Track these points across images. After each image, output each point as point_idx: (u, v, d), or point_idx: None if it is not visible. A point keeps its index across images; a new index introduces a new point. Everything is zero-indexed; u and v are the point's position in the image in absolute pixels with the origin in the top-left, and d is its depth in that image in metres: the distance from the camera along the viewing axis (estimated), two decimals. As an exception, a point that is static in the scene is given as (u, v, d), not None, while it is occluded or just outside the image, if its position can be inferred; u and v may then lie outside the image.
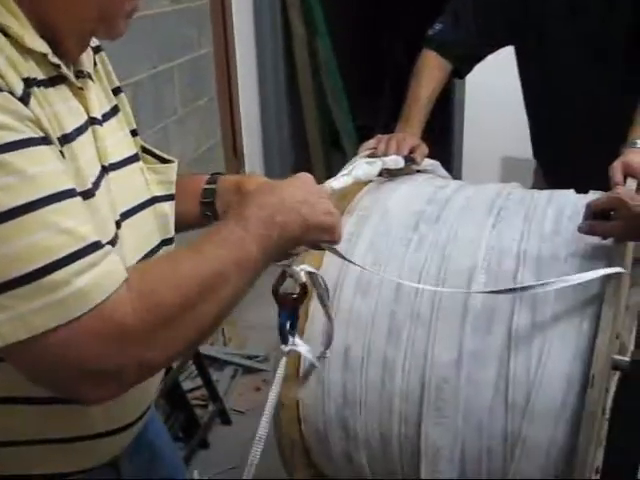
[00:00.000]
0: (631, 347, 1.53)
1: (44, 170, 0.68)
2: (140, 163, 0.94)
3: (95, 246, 0.70)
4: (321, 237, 0.91)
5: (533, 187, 1.94)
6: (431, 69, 1.75)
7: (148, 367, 0.77)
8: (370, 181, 1.54)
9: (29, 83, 0.72)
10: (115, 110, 0.93)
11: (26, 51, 0.74)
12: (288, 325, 0.97)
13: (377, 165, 1.46)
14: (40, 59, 0.76)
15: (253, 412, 2.51)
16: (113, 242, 0.80)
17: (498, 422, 1.23)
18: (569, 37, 1.71)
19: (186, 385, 2.46)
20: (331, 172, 3.89)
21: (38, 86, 0.74)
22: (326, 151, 4.56)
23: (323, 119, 4.52)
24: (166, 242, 0.95)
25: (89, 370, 0.70)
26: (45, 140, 0.71)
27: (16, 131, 0.67)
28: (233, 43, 3.32)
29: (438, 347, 1.27)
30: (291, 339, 0.97)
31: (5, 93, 0.67)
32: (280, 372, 0.97)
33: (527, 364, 1.21)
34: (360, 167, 1.41)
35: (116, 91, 0.96)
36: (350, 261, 1.14)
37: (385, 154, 1.55)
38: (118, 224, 0.83)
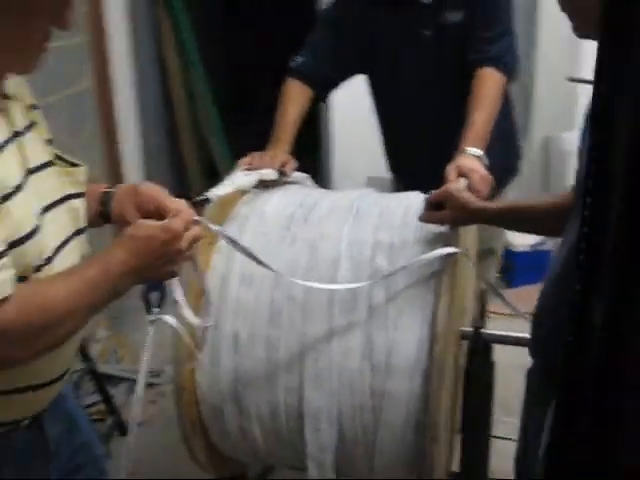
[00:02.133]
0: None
1: None
2: (56, 167, 1.13)
3: None
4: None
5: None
6: (295, 95, 2.01)
7: (6, 363, 0.99)
8: (248, 191, 1.77)
9: None
10: (33, 124, 1.11)
11: None
12: (155, 297, 1.17)
13: (253, 176, 1.69)
14: None
15: (149, 423, 2.66)
16: (35, 230, 0.99)
17: (366, 381, 1.47)
18: (409, 69, 2.03)
19: (85, 401, 2.58)
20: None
21: None
22: (205, 181, 4.75)
23: (201, 150, 4.72)
24: (79, 232, 1.14)
25: None
26: None
27: None
28: (112, 79, 3.48)
29: (312, 325, 1.51)
30: (156, 310, 1.17)
31: None
32: (149, 339, 1.18)
33: (385, 332, 1.47)
34: (239, 178, 1.65)
35: (33, 107, 1.15)
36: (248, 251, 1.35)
37: (259, 168, 1.79)
38: (41, 216, 1.02)
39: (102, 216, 1.25)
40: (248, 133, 5.69)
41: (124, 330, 3.25)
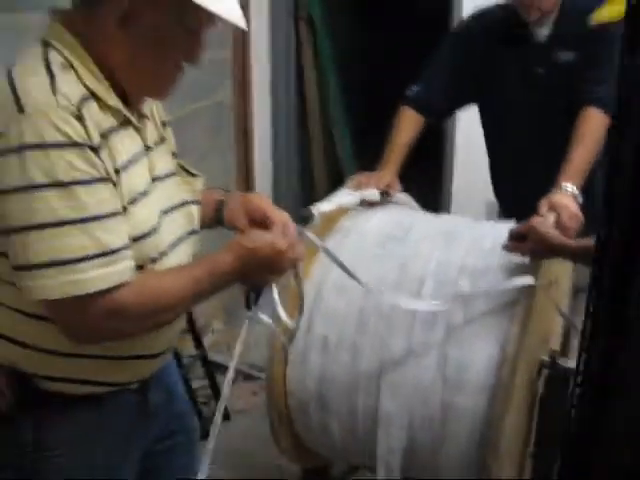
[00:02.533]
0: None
1: (96, 199, 1.08)
2: (177, 177, 1.33)
3: (112, 253, 1.09)
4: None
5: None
6: (407, 121, 2.16)
7: (120, 335, 1.20)
8: (354, 208, 1.93)
9: (105, 135, 1.12)
10: (162, 139, 1.32)
11: (107, 107, 1.14)
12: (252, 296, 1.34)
13: (356, 196, 1.85)
14: (116, 112, 1.16)
15: (250, 412, 2.87)
16: (154, 229, 1.19)
17: (437, 394, 1.59)
18: (518, 102, 2.12)
19: (193, 384, 2.82)
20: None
21: (112, 132, 1.14)
22: (331, 191, 4.93)
23: (330, 162, 4.92)
24: (192, 232, 1.33)
25: (80, 325, 1.13)
26: (103, 180, 1.10)
27: (86, 173, 1.07)
28: (251, 90, 3.75)
29: (395, 336, 1.64)
30: (254, 308, 1.34)
31: (86, 148, 1.07)
32: (243, 332, 1.35)
33: (460, 350, 1.58)
34: (342, 196, 1.81)
35: (164, 124, 1.36)
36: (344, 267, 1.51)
37: (365, 187, 1.94)
38: (160, 217, 1.21)
39: (216, 220, 1.44)
40: (378, 150, 5.90)
41: (239, 325, 3.48)
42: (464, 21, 2.35)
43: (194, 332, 2.76)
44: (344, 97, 4.82)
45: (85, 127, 1.07)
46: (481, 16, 2.24)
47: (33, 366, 1.21)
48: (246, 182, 3.85)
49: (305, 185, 4.68)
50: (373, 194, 1.92)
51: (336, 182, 4.88)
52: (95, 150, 1.08)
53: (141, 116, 1.24)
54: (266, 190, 4.16)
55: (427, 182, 3.88)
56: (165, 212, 1.24)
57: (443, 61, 2.23)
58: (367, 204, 1.95)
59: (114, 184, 1.12)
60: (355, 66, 5.57)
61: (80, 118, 1.06)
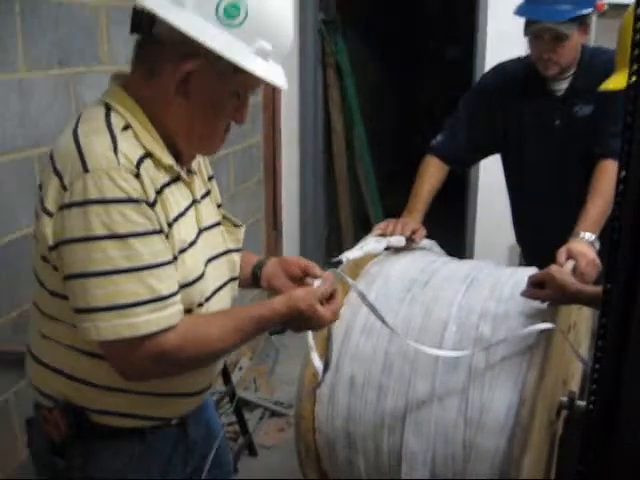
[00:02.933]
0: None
1: (150, 250, 1.19)
2: (221, 227, 1.44)
3: (163, 299, 1.20)
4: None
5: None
6: (431, 170, 2.26)
7: (166, 373, 1.29)
8: (380, 254, 2.03)
9: (159, 191, 1.23)
10: (208, 192, 1.43)
11: (162, 165, 1.25)
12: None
13: (383, 243, 1.95)
14: (169, 168, 1.27)
15: (276, 448, 2.94)
16: (201, 276, 1.29)
17: (459, 433, 1.66)
18: (538, 152, 2.23)
19: (222, 420, 2.90)
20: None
21: (165, 187, 1.24)
22: (356, 232, 5.06)
23: (356, 203, 5.04)
24: (233, 279, 1.44)
25: (131, 364, 1.22)
26: (157, 232, 1.20)
27: (142, 226, 1.18)
28: (280, 134, 3.89)
29: (419, 378, 1.73)
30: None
31: (143, 203, 1.18)
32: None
33: (481, 393, 1.66)
34: (369, 244, 1.91)
35: (210, 178, 1.47)
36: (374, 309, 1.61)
37: (391, 234, 2.04)
38: (206, 265, 1.32)
39: (252, 280, 1.55)
40: (402, 193, 5.99)
41: (265, 363, 3.58)
42: (486, 74, 2.47)
43: (224, 369, 2.85)
44: (370, 140, 4.96)
45: (142, 184, 1.18)
46: (502, 69, 2.36)
47: (85, 400, 1.31)
48: (274, 223, 3.97)
49: (331, 226, 4.80)
50: (399, 240, 2.02)
51: (362, 222, 5.05)
52: (150, 205, 1.19)
53: (189, 171, 1.36)
54: (293, 231, 4.28)
55: (452, 227, 3.99)
56: (210, 260, 1.35)
57: (465, 112, 2.34)
58: (393, 250, 2.05)
59: (166, 236, 1.22)
60: (381, 111, 5.71)
61: (138, 176, 1.17)
